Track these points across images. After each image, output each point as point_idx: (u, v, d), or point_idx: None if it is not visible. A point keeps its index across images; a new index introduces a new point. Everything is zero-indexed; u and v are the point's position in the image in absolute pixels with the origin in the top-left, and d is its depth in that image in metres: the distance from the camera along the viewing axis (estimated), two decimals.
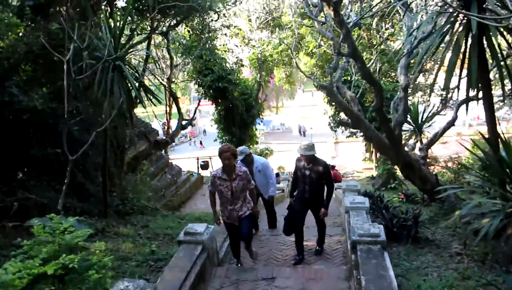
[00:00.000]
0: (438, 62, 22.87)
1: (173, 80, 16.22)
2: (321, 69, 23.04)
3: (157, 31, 13.95)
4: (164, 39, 15.07)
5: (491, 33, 5.30)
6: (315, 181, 6.43)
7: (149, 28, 13.67)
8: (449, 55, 6.17)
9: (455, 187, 7.92)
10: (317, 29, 11.88)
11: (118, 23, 8.16)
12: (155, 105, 8.67)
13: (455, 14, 5.80)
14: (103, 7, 10.29)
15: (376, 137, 10.34)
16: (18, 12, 8.75)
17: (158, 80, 12.42)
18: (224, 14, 15.73)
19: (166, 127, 20.77)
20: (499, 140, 6.06)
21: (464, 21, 5.85)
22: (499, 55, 5.67)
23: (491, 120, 6.13)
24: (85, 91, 8.40)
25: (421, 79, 21.99)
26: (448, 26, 5.89)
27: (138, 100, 8.11)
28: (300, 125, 52.89)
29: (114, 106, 7.51)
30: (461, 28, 5.90)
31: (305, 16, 18.37)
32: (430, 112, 15.38)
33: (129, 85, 7.96)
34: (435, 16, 6.07)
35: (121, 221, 8.48)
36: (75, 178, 8.81)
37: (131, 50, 8.48)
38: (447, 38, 6.17)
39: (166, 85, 14.36)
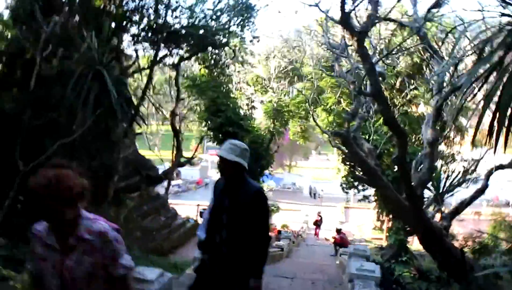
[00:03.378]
0: (463, 129, 21.82)
1: (178, 114, 15.22)
2: (339, 127, 21.94)
3: (166, 61, 13.14)
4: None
5: None
6: (237, 220, 3.32)
7: (164, 58, 12.96)
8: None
9: (491, 265, 6.37)
10: (337, 72, 10.88)
11: (108, 32, 7.31)
12: (139, 125, 7.63)
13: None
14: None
15: (394, 197, 8.97)
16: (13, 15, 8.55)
17: (158, 108, 11.48)
18: (238, 49, 14.91)
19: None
20: None
21: None
22: None
23: None
24: (63, 101, 7.35)
25: (443, 147, 20.65)
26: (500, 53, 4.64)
27: (118, 116, 6.99)
28: (311, 187, 51.16)
29: (88, 117, 6.41)
30: None
31: (327, 68, 17.58)
32: (453, 180, 14.07)
33: (112, 99, 6.90)
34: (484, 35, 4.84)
35: None
36: None
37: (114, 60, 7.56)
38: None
39: (168, 117, 13.39)
